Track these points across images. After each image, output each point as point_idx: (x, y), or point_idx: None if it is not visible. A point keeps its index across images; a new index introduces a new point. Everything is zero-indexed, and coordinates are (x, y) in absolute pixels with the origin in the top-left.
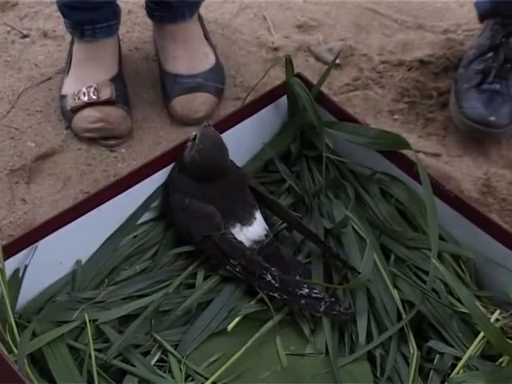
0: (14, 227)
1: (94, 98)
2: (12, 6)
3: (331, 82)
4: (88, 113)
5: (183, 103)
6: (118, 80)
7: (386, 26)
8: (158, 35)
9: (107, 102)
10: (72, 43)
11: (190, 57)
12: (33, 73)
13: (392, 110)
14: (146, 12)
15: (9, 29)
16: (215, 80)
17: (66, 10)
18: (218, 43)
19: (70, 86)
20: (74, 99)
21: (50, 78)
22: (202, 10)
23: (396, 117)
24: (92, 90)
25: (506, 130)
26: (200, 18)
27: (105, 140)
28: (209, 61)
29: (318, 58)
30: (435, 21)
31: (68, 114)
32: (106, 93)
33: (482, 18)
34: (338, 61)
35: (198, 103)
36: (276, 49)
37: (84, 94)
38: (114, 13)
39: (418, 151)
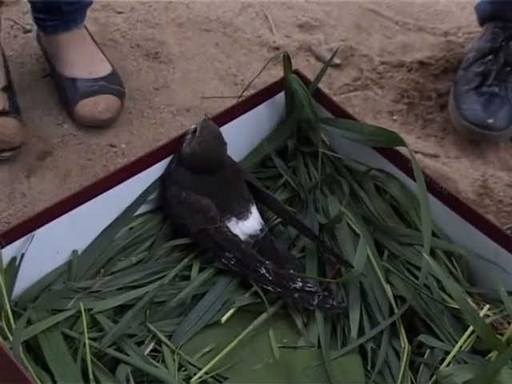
0: (12, 220)
1: None
2: (15, 0)
3: (331, 82)
4: None
5: (88, 106)
6: (9, 90)
7: (386, 27)
8: (53, 45)
9: (1, 113)
10: None
11: (89, 61)
12: (34, 67)
13: (391, 110)
14: (36, 25)
15: (12, 23)
16: (116, 83)
17: None
18: (220, 41)
19: None
20: None
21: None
22: (204, 8)
23: (395, 117)
24: None
25: (504, 133)
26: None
27: None
28: (107, 66)
29: (318, 58)
30: (436, 23)
31: None
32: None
33: (483, 21)
34: (338, 61)
35: (103, 105)
36: (277, 48)
37: None
38: None
39: (417, 152)
